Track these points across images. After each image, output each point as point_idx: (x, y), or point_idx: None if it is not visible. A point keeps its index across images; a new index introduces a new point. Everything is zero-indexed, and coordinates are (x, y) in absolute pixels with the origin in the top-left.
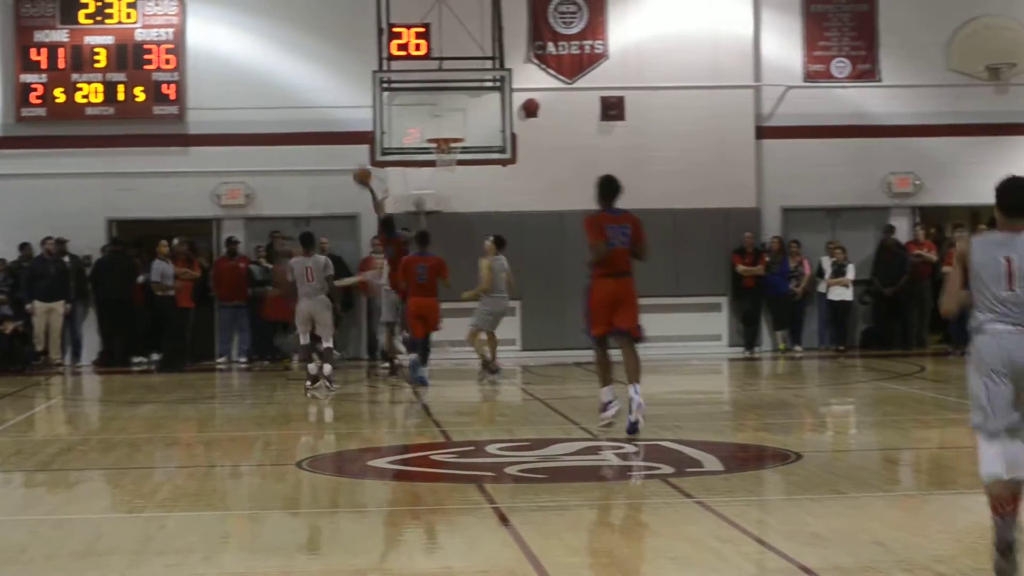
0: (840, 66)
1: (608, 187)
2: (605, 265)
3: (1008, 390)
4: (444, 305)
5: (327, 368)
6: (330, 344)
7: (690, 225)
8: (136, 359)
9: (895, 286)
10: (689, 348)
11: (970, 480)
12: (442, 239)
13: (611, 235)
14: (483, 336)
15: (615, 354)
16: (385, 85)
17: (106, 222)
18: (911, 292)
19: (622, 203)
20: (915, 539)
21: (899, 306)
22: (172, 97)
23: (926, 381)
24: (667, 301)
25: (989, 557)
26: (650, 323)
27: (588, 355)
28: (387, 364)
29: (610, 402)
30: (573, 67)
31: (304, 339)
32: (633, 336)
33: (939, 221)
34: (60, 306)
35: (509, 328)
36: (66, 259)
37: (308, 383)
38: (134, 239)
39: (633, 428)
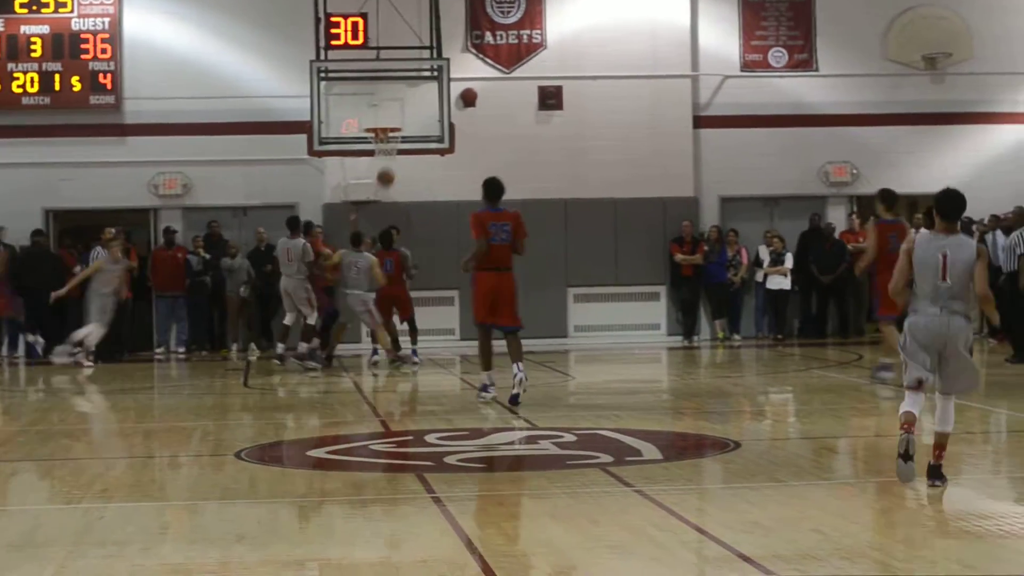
0: (777, 55)
1: (492, 188)
2: (487, 260)
3: (928, 358)
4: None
5: (302, 346)
6: (311, 321)
7: (629, 214)
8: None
9: (833, 274)
10: (628, 337)
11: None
12: (377, 229)
13: (493, 232)
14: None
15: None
16: (322, 75)
17: (43, 212)
18: (848, 280)
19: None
20: (853, 527)
21: (837, 294)
22: (109, 87)
23: (863, 369)
24: (606, 290)
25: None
26: (589, 312)
27: (526, 345)
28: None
29: (488, 385)
30: (511, 57)
31: (288, 319)
32: (513, 327)
33: (875, 210)
34: None
35: (447, 318)
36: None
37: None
38: (72, 228)
39: (515, 400)
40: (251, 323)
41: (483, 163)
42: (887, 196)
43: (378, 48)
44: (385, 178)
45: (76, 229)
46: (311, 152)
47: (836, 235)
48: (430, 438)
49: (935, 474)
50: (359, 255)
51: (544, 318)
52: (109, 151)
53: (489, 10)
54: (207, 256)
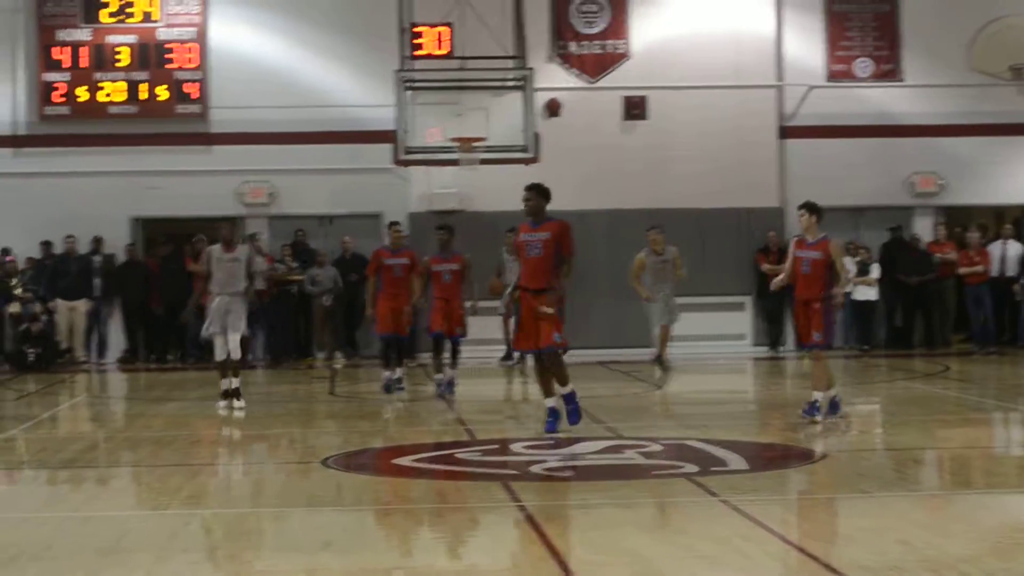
0: (863, 66)
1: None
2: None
3: None
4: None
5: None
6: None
7: (713, 224)
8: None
9: (921, 277)
10: (713, 347)
11: (994, 480)
12: (464, 238)
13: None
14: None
15: None
16: (407, 84)
17: (130, 221)
18: (935, 291)
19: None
20: (939, 539)
21: (923, 305)
22: (194, 96)
23: (950, 381)
24: (691, 300)
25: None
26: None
27: (611, 355)
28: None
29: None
30: (595, 66)
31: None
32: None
33: (963, 221)
34: (82, 304)
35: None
36: (97, 258)
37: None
38: (166, 237)
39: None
40: (336, 331)
41: (568, 173)
42: (819, 208)
43: (463, 58)
44: (492, 289)
45: (167, 238)
46: (396, 161)
47: (922, 246)
48: (516, 447)
49: None
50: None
51: (630, 328)
52: (195, 160)
53: (574, 20)
54: (295, 265)
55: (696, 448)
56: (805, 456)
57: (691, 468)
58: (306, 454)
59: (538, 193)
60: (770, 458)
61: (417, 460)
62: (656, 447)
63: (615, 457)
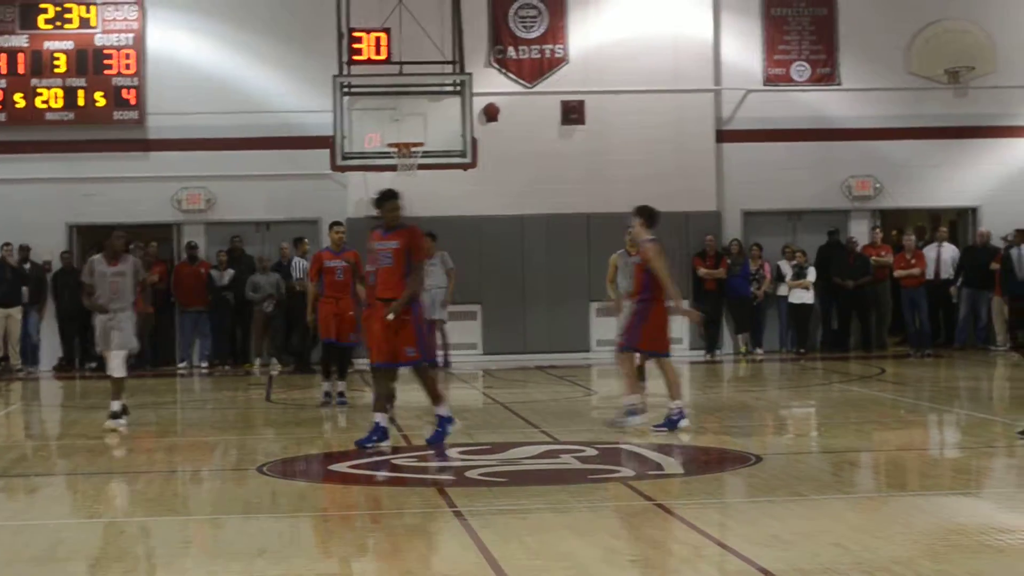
0: (800, 69)
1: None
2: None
3: None
4: None
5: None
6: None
7: None
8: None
9: (856, 281)
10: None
11: (928, 482)
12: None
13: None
14: None
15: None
16: (345, 89)
17: (67, 227)
18: (871, 294)
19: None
20: (874, 541)
21: (859, 308)
22: (132, 102)
23: (886, 383)
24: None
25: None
26: (612, 326)
27: (549, 359)
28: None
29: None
30: (533, 71)
31: None
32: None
33: (899, 224)
34: (17, 312)
35: (470, 332)
36: (27, 265)
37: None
38: (94, 244)
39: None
40: (275, 338)
41: (506, 178)
42: (650, 213)
43: (401, 63)
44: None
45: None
46: (334, 167)
47: (859, 249)
48: (452, 452)
49: None
50: None
51: (567, 332)
52: (133, 166)
53: (512, 25)
54: (231, 271)
55: (632, 452)
56: (741, 459)
57: (627, 472)
58: (242, 461)
59: (398, 203)
60: (705, 462)
61: (353, 466)
62: (592, 451)
63: (551, 462)
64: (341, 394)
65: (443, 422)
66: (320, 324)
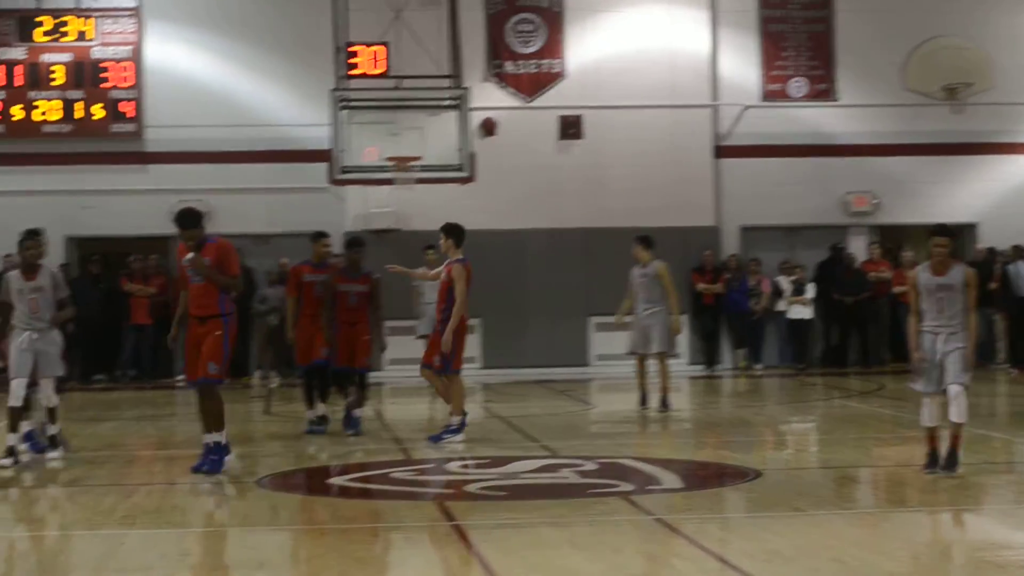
0: (797, 85)
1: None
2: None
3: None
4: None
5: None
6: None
7: None
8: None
9: (855, 296)
10: (650, 366)
11: (928, 498)
12: (401, 258)
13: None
14: None
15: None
16: (343, 103)
17: (64, 240)
18: (870, 310)
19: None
20: (873, 556)
21: (858, 324)
22: (130, 115)
23: (885, 399)
24: (627, 319)
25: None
26: (611, 341)
27: (548, 373)
28: None
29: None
30: (531, 86)
31: None
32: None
33: (897, 240)
34: None
35: (469, 346)
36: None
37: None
38: (96, 256)
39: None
40: (277, 351)
41: (503, 192)
42: (458, 232)
43: (399, 77)
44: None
45: (101, 257)
46: (332, 180)
47: (857, 264)
48: (451, 466)
49: None
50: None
51: (565, 347)
52: (130, 179)
53: (509, 39)
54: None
55: (631, 467)
56: (740, 474)
57: (627, 487)
58: (241, 474)
59: (191, 221)
60: (705, 476)
61: (352, 480)
62: (592, 466)
63: (551, 476)
64: (322, 418)
65: (214, 448)
66: (298, 345)
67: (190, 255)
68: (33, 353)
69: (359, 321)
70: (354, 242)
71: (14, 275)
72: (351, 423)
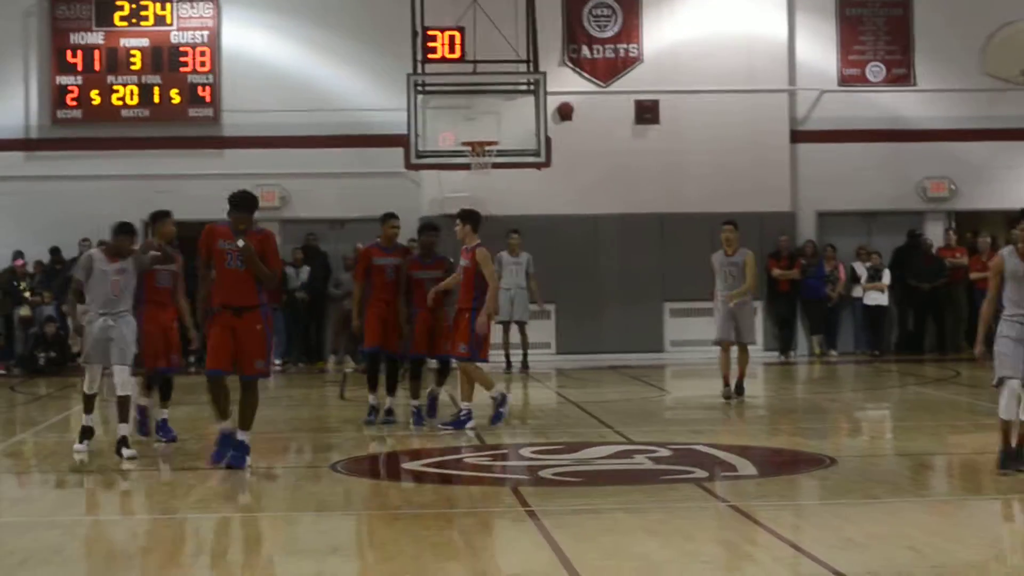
0: (875, 70)
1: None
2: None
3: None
4: None
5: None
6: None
7: None
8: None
9: (932, 283)
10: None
11: (1003, 485)
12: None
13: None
14: None
15: None
16: (419, 88)
17: (141, 224)
18: (946, 296)
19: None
20: (949, 544)
21: (934, 310)
22: (207, 99)
23: (961, 386)
24: (702, 305)
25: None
26: (686, 327)
27: (622, 359)
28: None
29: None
30: (608, 70)
31: None
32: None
33: (973, 225)
34: None
35: (544, 331)
36: None
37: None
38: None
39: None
40: (352, 336)
41: (579, 177)
42: (475, 217)
43: (475, 62)
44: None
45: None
46: (408, 165)
47: (933, 250)
48: (525, 452)
49: None
50: None
51: (640, 333)
52: (207, 163)
53: (586, 24)
54: (307, 268)
55: (705, 453)
56: (815, 461)
57: (700, 473)
58: (315, 459)
59: (249, 204)
60: (779, 463)
61: (426, 465)
62: (665, 452)
63: (625, 462)
64: (389, 411)
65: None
66: (366, 330)
67: (240, 241)
68: (107, 340)
69: (438, 307)
70: (427, 227)
71: (97, 255)
72: (432, 411)
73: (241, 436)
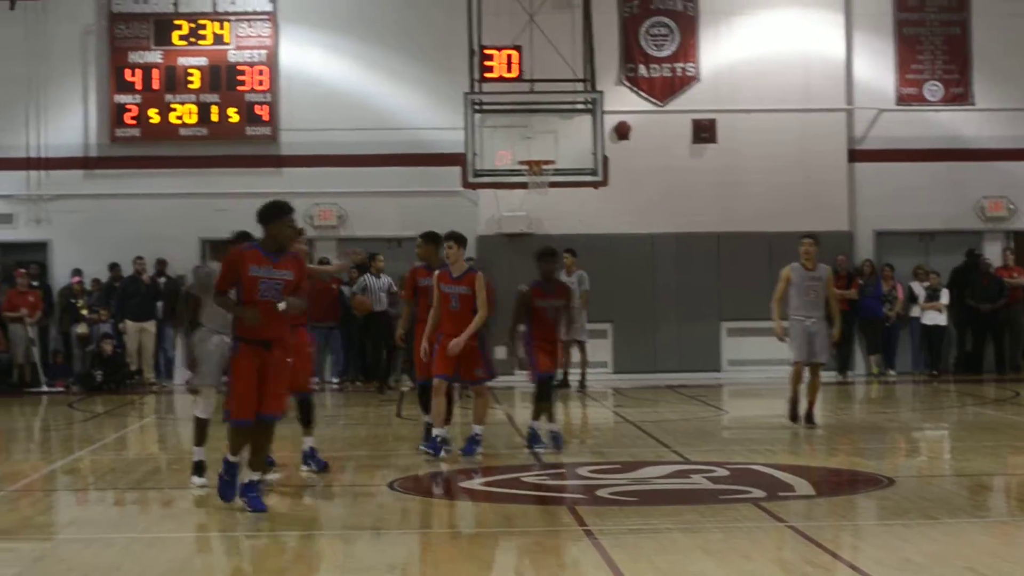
0: (932, 89)
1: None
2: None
3: None
4: None
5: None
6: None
7: (782, 248)
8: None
9: (992, 304)
10: (782, 371)
11: None
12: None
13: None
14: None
15: None
16: (477, 107)
17: (199, 242)
18: (1005, 316)
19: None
20: (1008, 566)
21: (993, 330)
22: (265, 118)
23: (1020, 407)
24: (759, 324)
25: None
26: (743, 346)
27: (679, 379)
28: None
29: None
30: (665, 89)
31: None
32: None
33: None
34: (151, 325)
35: (601, 351)
36: (162, 279)
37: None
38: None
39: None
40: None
41: (636, 196)
42: (464, 239)
43: (532, 80)
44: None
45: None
46: (465, 184)
47: (992, 270)
48: (582, 471)
49: None
50: None
51: (697, 352)
52: (265, 182)
53: (643, 43)
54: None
55: (763, 473)
56: (873, 482)
57: (758, 493)
58: (373, 477)
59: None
60: (837, 483)
61: (483, 484)
62: (723, 472)
63: (682, 481)
64: (445, 440)
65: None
66: (416, 359)
67: (282, 304)
68: (225, 359)
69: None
70: (546, 252)
71: (217, 267)
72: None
73: (253, 476)
